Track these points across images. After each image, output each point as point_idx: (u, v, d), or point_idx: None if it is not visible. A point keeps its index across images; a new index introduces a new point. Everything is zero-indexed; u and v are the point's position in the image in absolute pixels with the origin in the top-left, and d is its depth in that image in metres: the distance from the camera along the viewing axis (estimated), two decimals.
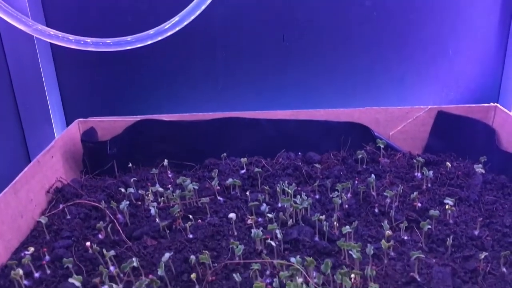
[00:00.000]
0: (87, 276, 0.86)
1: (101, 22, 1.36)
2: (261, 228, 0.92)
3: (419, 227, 0.93)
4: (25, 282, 0.84)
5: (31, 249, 0.91)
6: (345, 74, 1.43)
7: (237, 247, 0.86)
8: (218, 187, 1.11)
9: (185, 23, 1.11)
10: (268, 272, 0.84)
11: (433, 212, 0.95)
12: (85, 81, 1.44)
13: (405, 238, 0.93)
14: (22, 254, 0.91)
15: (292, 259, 0.81)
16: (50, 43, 1.35)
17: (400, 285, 0.80)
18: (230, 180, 1.11)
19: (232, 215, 0.96)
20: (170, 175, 1.22)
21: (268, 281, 0.81)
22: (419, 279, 0.81)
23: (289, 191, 1.03)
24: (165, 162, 1.22)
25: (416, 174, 1.15)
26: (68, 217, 1.03)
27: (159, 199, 1.07)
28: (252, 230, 0.90)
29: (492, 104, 1.29)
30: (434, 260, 0.86)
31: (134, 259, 0.83)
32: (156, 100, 1.45)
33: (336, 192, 1.05)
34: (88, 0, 1.34)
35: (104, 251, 0.86)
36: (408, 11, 1.37)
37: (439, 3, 1.36)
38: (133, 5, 1.34)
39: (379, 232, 0.95)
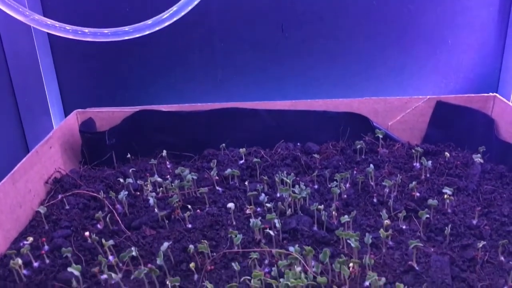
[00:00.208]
0: (86, 266, 0.86)
1: (99, 12, 1.35)
2: (260, 218, 0.93)
3: (418, 216, 0.93)
4: (24, 271, 0.84)
5: (30, 239, 0.91)
6: (344, 64, 1.43)
7: (236, 236, 0.86)
8: (217, 177, 1.11)
9: (183, 13, 1.10)
10: (266, 261, 0.84)
11: (432, 202, 0.95)
12: (83, 72, 1.43)
13: (404, 227, 0.93)
14: (21, 244, 0.91)
15: (291, 248, 0.82)
16: (48, 34, 1.35)
17: (398, 274, 0.81)
18: (229, 170, 1.11)
19: (230, 205, 0.96)
20: (168, 166, 1.22)
21: (266, 270, 0.81)
22: (417, 268, 0.81)
23: (288, 181, 1.03)
24: (164, 152, 1.22)
25: (414, 164, 1.15)
26: (67, 207, 1.03)
27: (158, 190, 1.07)
28: (251, 220, 0.91)
29: (491, 94, 1.29)
30: (432, 249, 0.86)
31: (133, 248, 0.84)
32: (155, 91, 1.45)
33: (334, 182, 1.06)
34: None
35: (103, 240, 0.86)
36: (408, 1, 1.36)
37: None
38: None
39: (377, 221, 0.95)
